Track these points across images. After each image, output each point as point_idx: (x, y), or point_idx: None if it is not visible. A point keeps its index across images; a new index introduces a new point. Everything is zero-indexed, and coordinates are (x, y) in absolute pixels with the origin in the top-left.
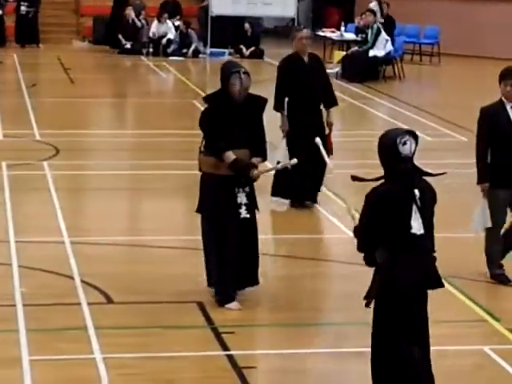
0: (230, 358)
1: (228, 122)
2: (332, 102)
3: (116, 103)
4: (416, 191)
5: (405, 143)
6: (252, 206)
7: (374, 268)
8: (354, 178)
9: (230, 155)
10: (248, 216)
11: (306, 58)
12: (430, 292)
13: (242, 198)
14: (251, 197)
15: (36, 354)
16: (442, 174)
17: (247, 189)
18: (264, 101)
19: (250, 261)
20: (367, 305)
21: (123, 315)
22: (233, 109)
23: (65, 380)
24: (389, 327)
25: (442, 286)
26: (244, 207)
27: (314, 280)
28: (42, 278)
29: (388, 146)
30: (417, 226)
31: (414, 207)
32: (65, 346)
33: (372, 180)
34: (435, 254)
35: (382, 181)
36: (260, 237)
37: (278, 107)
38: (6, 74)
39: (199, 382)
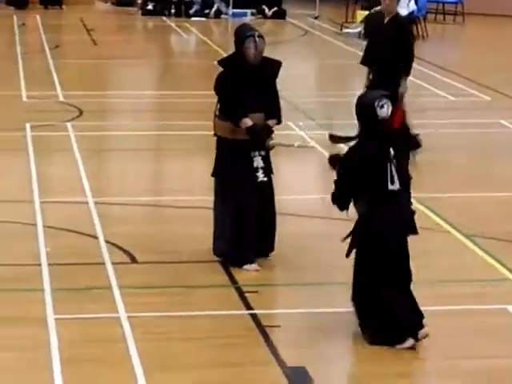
0: (254, 316)
1: (243, 86)
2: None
3: (138, 64)
4: (391, 150)
5: (382, 106)
6: (268, 169)
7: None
8: (332, 137)
9: (247, 121)
10: (265, 179)
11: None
12: (453, 252)
13: (258, 162)
14: (267, 160)
15: (61, 313)
16: (417, 135)
17: (263, 152)
18: (278, 65)
19: (268, 226)
20: (347, 255)
21: (147, 275)
22: (248, 73)
23: (90, 338)
24: (367, 270)
25: (416, 233)
26: (261, 171)
27: (333, 239)
28: (66, 237)
29: (366, 108)
30: (393, 183)
31: (391, 165)
32: (89, 305)
33: (349, 139)
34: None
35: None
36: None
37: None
38: (29, 36)
39: (223, 341)
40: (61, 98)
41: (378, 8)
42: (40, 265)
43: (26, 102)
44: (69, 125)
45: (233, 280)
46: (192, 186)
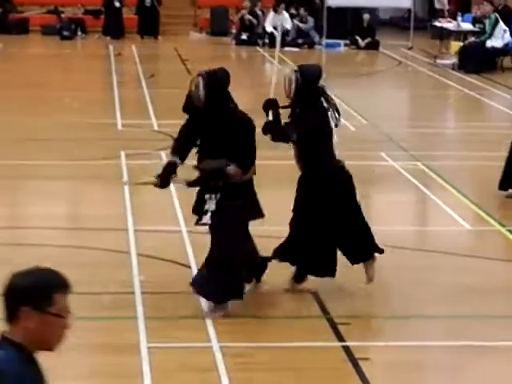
0: (346, 349)
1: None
2: None
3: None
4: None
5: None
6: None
7: None
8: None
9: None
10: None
11: None
12: None
13: (210, 205)
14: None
15: (154, 341)
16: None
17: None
18: (243, 125)
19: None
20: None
21: (239, 304)
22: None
23: (182, 367)
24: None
25: None
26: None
27: (425, 271)
28: (159, 266)
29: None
30: (335, 137)
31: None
32: (182, 334)
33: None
34: None
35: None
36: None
37: None
38: (125, 65)
39: (314, 373)
40: (155, 127)
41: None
42: (133, 293)
43: (121, 130)
44: (163, 153)
45: (325, 311)
46: (282, 216)
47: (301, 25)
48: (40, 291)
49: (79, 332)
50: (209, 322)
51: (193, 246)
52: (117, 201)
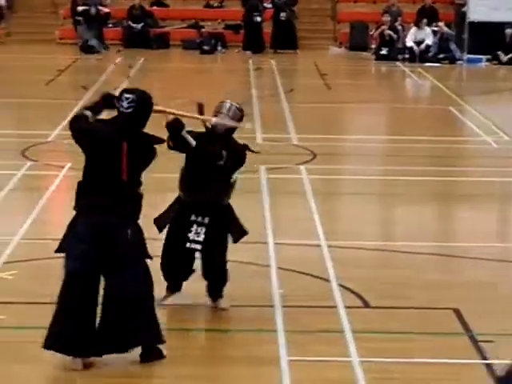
0: (489, 367)
1: None
2: None
3: (370, 109)
4: None
5: None
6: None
7: None
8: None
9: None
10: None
11: None
12: None
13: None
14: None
15: (294, 355)
16: None
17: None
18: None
19: None
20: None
21: (380, 320)
22: None
23: (321, 381)
24: None
25: None
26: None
27: None
28: (299, 280)
29: None
30: None
31: None
32: (322, 348)
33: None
34: None
35: None
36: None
37: None
38: (264, 80)
39: None
40: (295, 141)
41: None
42: (273, 306)
43: (261, 144)
44: (302, 167)
45: (466, 328)
46: (419, 231)
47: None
48: None
49: (220, 343)
50: (349, 337)
51: (333, 260)
52: (256, 214)
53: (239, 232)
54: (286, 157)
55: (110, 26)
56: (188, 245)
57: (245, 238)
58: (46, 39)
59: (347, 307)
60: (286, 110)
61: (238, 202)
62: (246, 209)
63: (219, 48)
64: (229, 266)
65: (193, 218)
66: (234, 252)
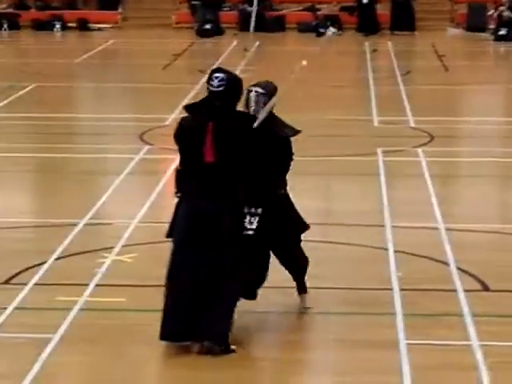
0: None
1: None
2: None
3: (489, 90)
4: None
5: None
6: None
7: None
8: None
9: None
10: None
11: None
12: None
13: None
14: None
15: (412, 338)
16: None
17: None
18: None
19: None
20: None
21: (499, 303)
22: None
23: (441, 366)
24: None
25: None
26: None
27: None
28: (417, 263)
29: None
30: None
31: None
32: (441, 332)
33: None
34: None
35: None
36: None
37: None
38: (380, 62)
39: None
40: (411, 124)
41: None
42: (391, 289)
43: (377, 127)
44: (420, 150)
45: None
46: None
47: None
48: None
49: (337, 327)
50: (468, 321)
51: (451, 243)
52: (373, 197)
53: (298, 224)
54: (403, 139)
55: (226, 9)
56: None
57: (361, 221)
58: (162, 24)
59: (466, 291)
60: (402, 92)
61: (354, 184)
62: (363, 191)
63: (335, 30)
64: (344, 248)
65: (246, 209)
66: (351, 235)
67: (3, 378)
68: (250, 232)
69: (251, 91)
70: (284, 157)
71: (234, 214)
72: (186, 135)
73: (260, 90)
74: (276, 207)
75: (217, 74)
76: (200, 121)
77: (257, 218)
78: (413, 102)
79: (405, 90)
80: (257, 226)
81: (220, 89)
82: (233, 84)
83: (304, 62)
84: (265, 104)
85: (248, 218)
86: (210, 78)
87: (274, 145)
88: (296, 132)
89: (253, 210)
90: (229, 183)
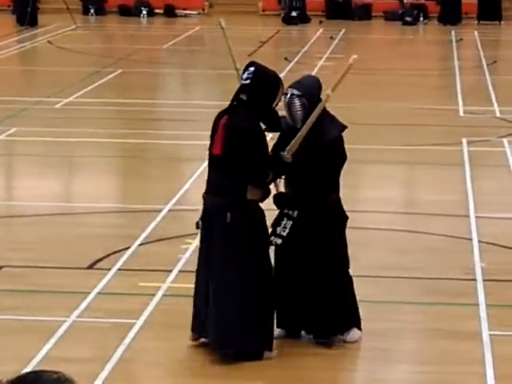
0: None
1: None
2: None
3: None
4: None
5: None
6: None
7: None
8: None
9: None
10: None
11: None
12: None
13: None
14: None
15: (496, 330)
16: None
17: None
18: None
19: None
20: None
21: None
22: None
23: None
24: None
25: None
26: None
27: None
28: (501, 253)
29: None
30: None
31: None
32: None
33: None
34: None
35: None
36: None
37: None
38: (466, 51)
39: None
40: (497, 114)
41: None
42: (475, 280)
43: (462, 116)
44: (505, 140)
45: None
46: None
47: None
48: None
49: (418, 317)
50: None
51: None
52: (457, 187)
53: (343, 258)
54: (489, 129)
55: None
56: (271, 238)
57: (445, 211)
58: (248, 11)
59: None
60: (488, 82)
61: (438, 174)
62: (447, 181)
63: (421, 19)
64: (427, 238)
65: (285, 210)
66: (434, 224)
67: (87, 361)
68: (279, 241)
69: (287, 93)
70: (331, 161)
71: (239, 210)
72: (213, 125)
73: (295, 92)
74: (324, 219)
75: (250, 68)
76: (221, 113)
77: (291, 223)
78: (498, 91)
79: (491, 79)
80: (287, 235)
81: (247, 82)
82: (260, 77)
83: (354, 56)
84: (301, 107)
85: (284, 221)
86: (243, 71)
87: (318, 151)
88: (342, 128)
89: (290, 212)
90: (234, 179)
